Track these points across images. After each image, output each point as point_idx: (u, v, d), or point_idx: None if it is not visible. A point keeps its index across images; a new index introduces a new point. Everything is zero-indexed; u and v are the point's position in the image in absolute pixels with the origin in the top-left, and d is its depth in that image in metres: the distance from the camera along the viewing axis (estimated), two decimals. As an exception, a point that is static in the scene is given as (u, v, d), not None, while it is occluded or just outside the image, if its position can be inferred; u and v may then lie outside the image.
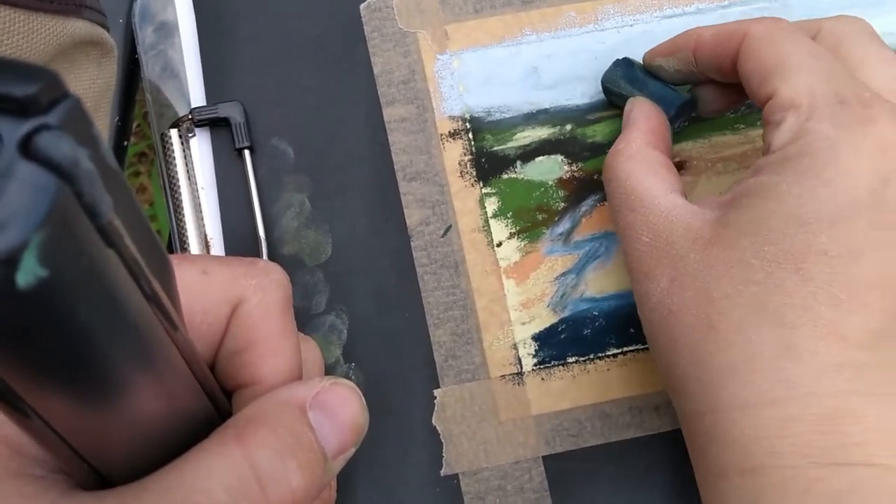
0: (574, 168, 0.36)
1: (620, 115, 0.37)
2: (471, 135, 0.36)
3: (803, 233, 0.25)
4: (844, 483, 0.24)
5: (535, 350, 0.34)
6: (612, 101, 0.36)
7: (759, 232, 0.26)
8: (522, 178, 0.36)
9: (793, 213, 0.25)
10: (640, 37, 0.37)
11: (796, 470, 0.24)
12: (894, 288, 0.25)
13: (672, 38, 0.33)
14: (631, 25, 0.38)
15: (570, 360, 0.34)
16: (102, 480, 0.20)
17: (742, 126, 0.37)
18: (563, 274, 0.35)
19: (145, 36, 0.38)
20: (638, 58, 0.36)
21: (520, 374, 0.34)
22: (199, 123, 0.36)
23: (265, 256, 0.35)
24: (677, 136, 0.36)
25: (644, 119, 0.32)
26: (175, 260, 0.19)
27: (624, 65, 0.35)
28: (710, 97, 0.34)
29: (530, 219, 0.35)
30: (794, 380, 0.25)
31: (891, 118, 0.26)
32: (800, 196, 0.26)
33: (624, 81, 0.35)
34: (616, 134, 0.36)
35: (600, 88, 0.37)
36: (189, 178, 0.36)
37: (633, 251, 0.29)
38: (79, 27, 0.33)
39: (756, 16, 0.37)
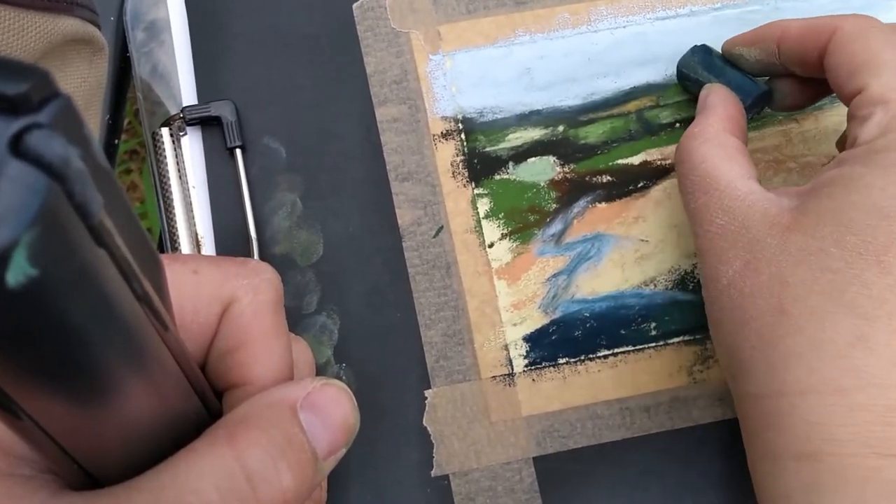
0: (566, 169, 0.36)
1: (612, 118, 0.37)
2: (463, 135, 0.36)
3: (887, 225, 0.25)
4: None
5: (527, 351, 0.34)
6: (686, 86, 0.36)
7: (840, 221, 0.26)
8: (514, 179, 0.36)
9: (877, 206, 0.26)
10: (632, 38, 0.37)
11: (856, 458, 0.24)
12: None
13: (756, 28, 0.33)
14: (624, 27, 0.38)
15: (560, 361, 0.34)
16: (93, 481, 0.19)
17: (734, 128, 0.37)
18: (555, 275, 0.35)
19: (137, 34, 0.38)
20: (628, 60, 0.36)
21: (511, 375, 0.34)
22: (191, 122, 0.36)
23: (256, 256, 0.34)
24: (667, 138, 0.36)
25: (722, 105, 0.32)
26: (166, 260, 0.19)
27: (701, 51, 0.35)
28: (787, 90, 0.34)
29: (522, 220, 0.35)
30: (865, 370, 0.25)
31: None
32: (885, 189, 0.26)
33: (701, 68, 0.35)
34: (608, 136, 0.36)
35: (592, 90, 0.37)
36: (180, 177, 0.36)
37: (704, 233, 0.29)
38: (70, 25, 0.33)
39: (749, 18, 0.37)
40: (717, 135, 0.31)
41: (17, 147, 0.12)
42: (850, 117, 0.29)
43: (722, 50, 0.35)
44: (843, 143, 0.33)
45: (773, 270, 0.27)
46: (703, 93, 0.34)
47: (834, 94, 0.31)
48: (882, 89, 0.28)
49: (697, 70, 0.35)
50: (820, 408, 0.25)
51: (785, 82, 0.34)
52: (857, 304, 0.25)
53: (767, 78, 0.35)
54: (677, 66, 0.36)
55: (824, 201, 0.27)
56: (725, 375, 0.30)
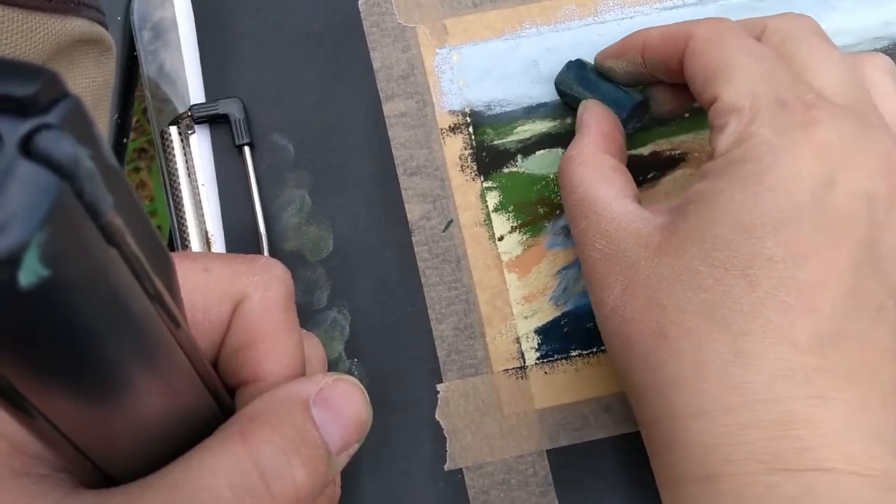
0: (575, 161, 0.36)
1: (621, 108, 0.37)
2: (471, 129, 0.36)
3: (748, 239, 0.25)
4: (799, 488, 0.24)
5: (538, 344, 0.34)
6: (567, 102, 0.36)
7: (705, 239, 0.26)
8: (523, 172, 0.36)
9: (737, 220, 0.25)
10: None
11: (751, 476, 0.24)
12: (840, 290, 0.25)
13: (621, 40, 0.33)
14: (631, 17, 0.37)
15: (573, 353, 0.34)
16: (106, 479, 0.20)
17: (743, 117, 0.37)
18: (565, 267, 0.35)
19: (144, 33, 0.38)
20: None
21: (523, 368, 0.34)
22: (199, 120, 0.36)
23: (266, 253, 0.35)
24: (677, 128, 0.36)
25: (595, 123, 0.32)
26: (176, 258, 0.19)
27: (576, 66, 0.35)
28: (662, 98, 0.33)
29: (532, 212, 0.35)
30: (746, 386, 0.24)
31: (833, 120, 0.26)
32: (743, 202, 0.25)
33: (576, 83, 0.35)
34: (616, 127, 0.36)
35: (600, 81, 0.37)
36: (189, 176, 0.36)
37: (587, 258, 0.29)
38: (77, 25, 0.33)
39: (756, 6, 0.37)
40: (592, 155, 0.31)
41: (27, 148, 0.12)
42: (710, 127, 0.28)
43: (595, 64, 0.35)
44: None
45: (649, 294, 0.27)
46: (579, 110, 0.33)
47: None
48: (735, 97, 0.27)
49: (573, 86, 0.35)
50: (712, 429, 0.25)
51: (658, 90, 0.33)
52: (730, 321, 0.25)
53: (642, 87, 0.34)
54: (554, 83, 0.36)
55: (689, 219, 0.26)
56: (628, 398, 0.30)
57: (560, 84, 0.36)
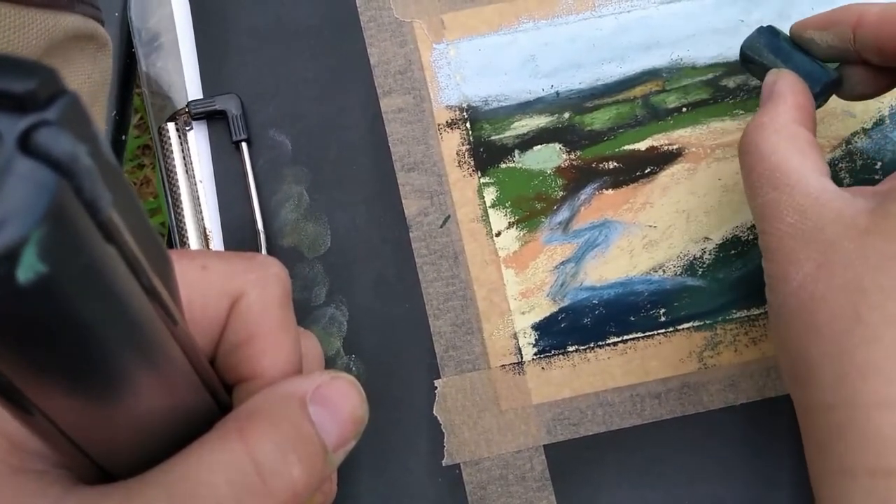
0: (572, 156, 0.36)
1: (618, 103, 0.37)
2: (468, 124, 0.36)
3: None
4: None
5: (535, 339, 0.34)
6: (750, 70, 0.34)
7: None
8: (521, 167, 0.36)
9: None
10: (637, 23, 0.37)
11: None
12: None
13: (829, 11, 0.31)
14: (628, 11, 0.37)
15: (570, 348, 0.34)
16: (105, 475, 0.20)
17: (741, 112, 0.37)
18: (563, 263, 0.35)
19: (141, 29, 0.38)
20: (633, 45, 0.36)
21: (520, 363, 0.34)
22: (196, 117, 0.36)
23: (264, 249, 0.35)
24: (675, 123, 0.36)
25: (791, 93, 0.30)
26: (174, 255, 0.19)
27: (768, 33, 0.33)
28: (858, 79, 0.32)
29: (529, 208, 0.35)
30: None
31: None
32: None
33: (767, 51, 0.33)
34: (614, 121, 0.36)
35: (598, 76, 0.37)
36: (187, 172, 0.36)
37: (774, 231, 0.28)
38: (71, 21, 0.33)
39: (750, 7, 0.37)
40: (788, 125, 0.29)
41: (25, 145, 0.12)
42: None
43: (790, 32, 0.33)
44: None
45: (849, 275, 0.25)
46: (769, 78, 0.31)
47: None
48: None
49: (763, 53, 0.33)
50: None
51: (857, 70, 0.32)
52: None
53: (837, 64, 0.32)
54: (741, 48, 0.34)
55: None
56: (786, 382, 0.28)
57: (748, 49, 0.33)
